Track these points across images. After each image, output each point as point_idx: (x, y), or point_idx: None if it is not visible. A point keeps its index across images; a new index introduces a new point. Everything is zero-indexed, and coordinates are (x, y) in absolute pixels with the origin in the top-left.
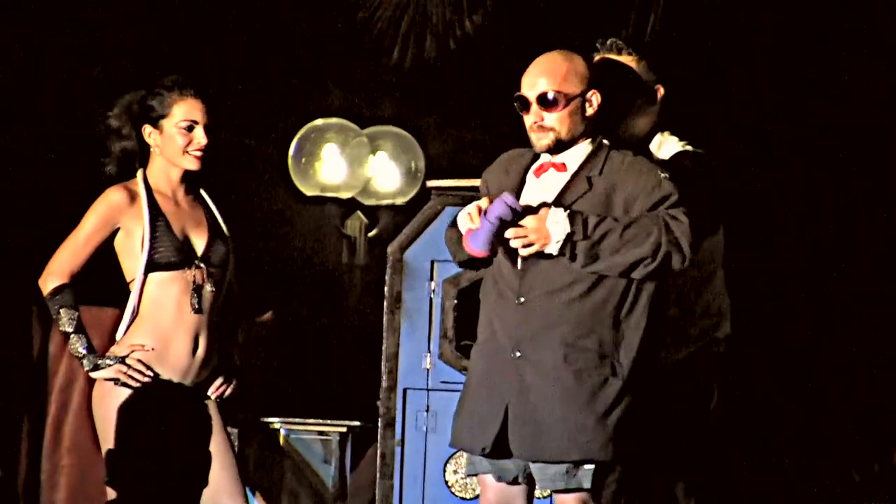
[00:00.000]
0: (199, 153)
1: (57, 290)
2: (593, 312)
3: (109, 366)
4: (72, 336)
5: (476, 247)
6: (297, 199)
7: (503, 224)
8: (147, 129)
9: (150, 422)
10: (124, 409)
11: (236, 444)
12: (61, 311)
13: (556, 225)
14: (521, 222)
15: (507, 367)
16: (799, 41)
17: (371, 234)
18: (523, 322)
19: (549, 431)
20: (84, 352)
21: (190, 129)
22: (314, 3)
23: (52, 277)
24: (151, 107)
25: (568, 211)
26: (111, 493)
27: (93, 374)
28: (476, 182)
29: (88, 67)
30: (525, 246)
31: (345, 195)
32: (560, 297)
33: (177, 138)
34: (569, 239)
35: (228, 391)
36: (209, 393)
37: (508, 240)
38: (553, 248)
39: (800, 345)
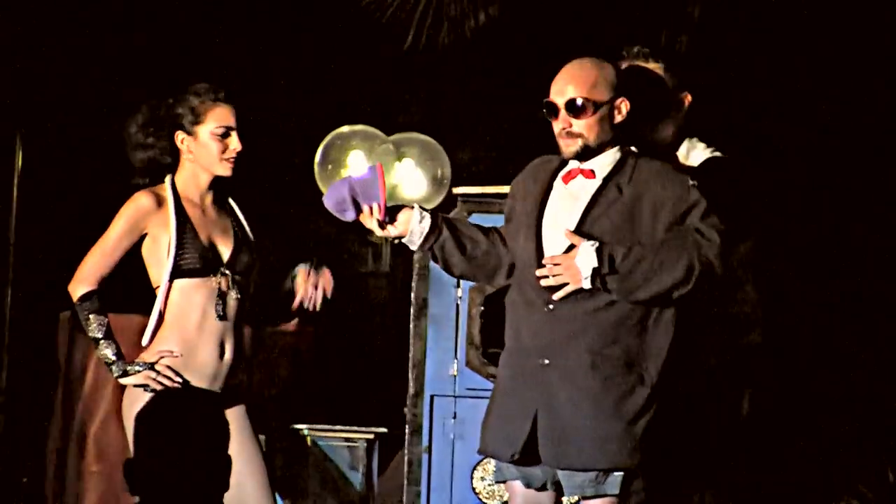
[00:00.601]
0: (232, 159)
1: (86, 297)
2: (620, 320)
3: (138, 372)
4: (101, 342)
5: (330, 201)
6: (322, 207)
7: (357, 188)
8: (180, 136)
9: (179, 428)
10: (153, 416)
11: (263, 450)
12: (90, 317)
13: (584, 261)
14: (553, 260)
15: (535, 375)
16: (826, 47)
17: (397, 240)
18: (551, 329)
19: (576, 439)
20: (113, 358)
21: (225, 135)
22: (340, 10)
23: (81, 284)
24: (184, 114)
25: (596, 245)
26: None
27: (122, 381)
28: (502, 189)
29: (116, 72)
30: (558, 285)
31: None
32: (587, 304)
33: (211, 145)
34: (596, 273)
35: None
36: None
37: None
38: (585, 284)
39: (830, 349)
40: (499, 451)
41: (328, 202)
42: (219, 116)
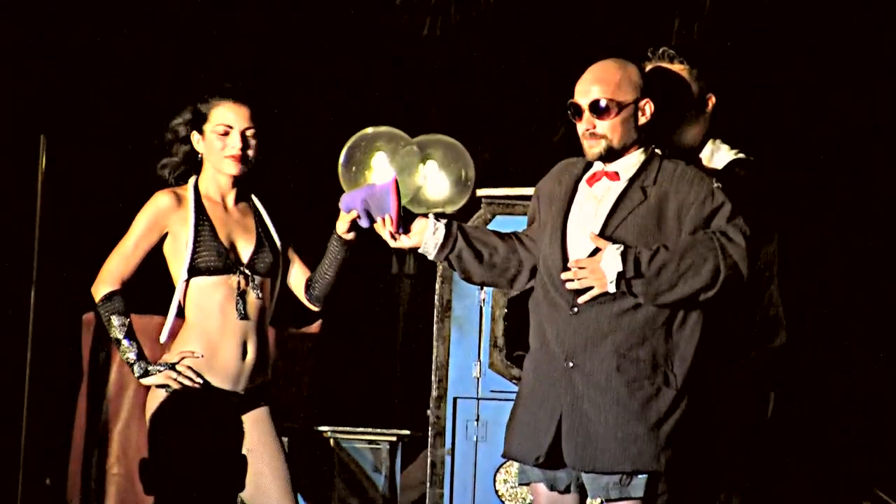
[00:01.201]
0: (234, 157)
1: (108, 297)
2: (646, 322)
3: (160, 372)
4: (122, 342)
5: (343, 205)
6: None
7: (370, 200)
8: (195, 136)
9: (201, 429)
10: (175, 417)
11: (286, 452)
12: (112, 317)
13: (610, 265)
14: (579, 264)
15: (560, 377)
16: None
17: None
18: (576, 332)
19: (600, 441)
20: (135, 358)
21: (225, 133)
22: (365, 13)
23: (104, 284)
24: (198, 113)
25: (621, 249)
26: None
27: (143, 381)
28: (526, 190)
29: (139, 75)
30: (583, 289)
31: None
32: (613, 307)
33: (214, 143)
34: (622, 277)
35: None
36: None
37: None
38: (610, 288)
39: (849, 351)
40: (524, 454)
41: (343, 209)
42: (220, 115)
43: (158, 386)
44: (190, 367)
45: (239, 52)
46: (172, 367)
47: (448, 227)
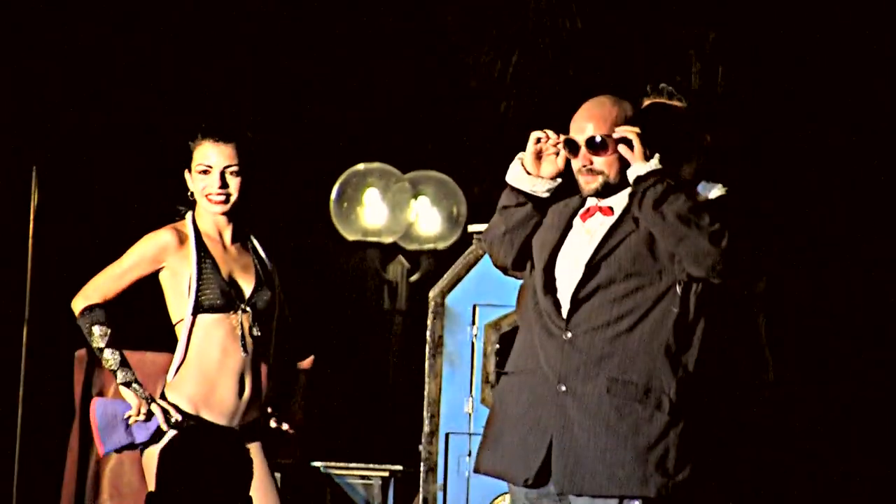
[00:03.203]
0: (215, 198)
1: (89, 308)
2: (640, 346)
3: (141, 393)
4: (105, 350)
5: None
6: (338, 244)
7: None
8: (187, 174)
9: (197, 465)
10: (169, 452)
11: (279, 487)
12: (93, 327)
13: (651, 158)
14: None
15: (552, 400)
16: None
17: (413, 278)
18: (569, 356)
19: (588, 465)
20: (117, 365)
21: (205, 172)
22: (355, 48)
23: (84, 299)
24: (188, 151)
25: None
26: None
27: (122, 391)
28: None
29: (131, 107)
30: (628, 141)
31: (386, 240)
32: (606, 332)
33: (197, 181)
34: (652, 174)
35: (285, 426)
36: (283, 427)
37: None
38: (639, 169)
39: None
40: (513, 475)
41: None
42: (200, 154)
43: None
44: (174, 406)
45: (230, 84)
46: (151, 396)
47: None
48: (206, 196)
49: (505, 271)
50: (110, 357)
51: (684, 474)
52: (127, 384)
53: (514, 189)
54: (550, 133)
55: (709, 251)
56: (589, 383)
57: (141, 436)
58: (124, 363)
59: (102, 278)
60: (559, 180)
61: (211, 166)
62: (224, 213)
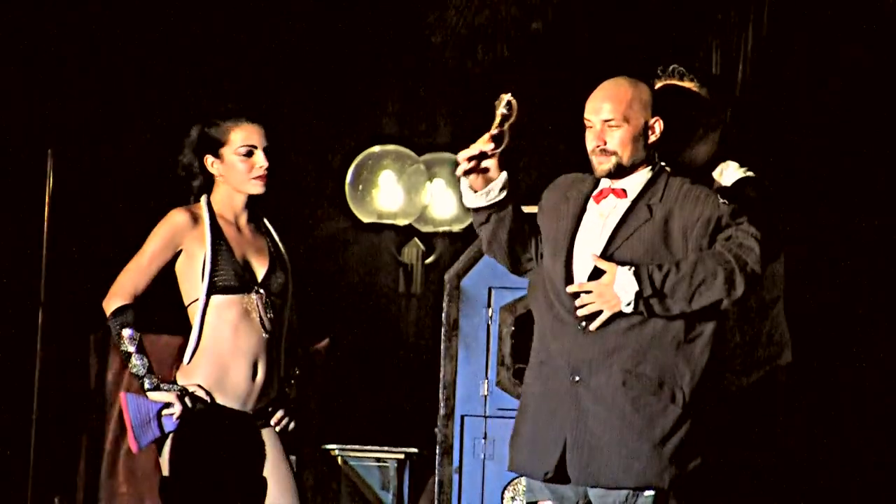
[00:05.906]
0: (261, 177)
1: (120, 310)
2: (654, 338)
3: (167, 391)
4: (133, 356)
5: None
6: (353, 227)
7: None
8: (209, 160)
9: (210, 449)
10: (183, 436)
11: (294, 470)
12: (122, 331)
13: (625, 286)
14: (584, 288)
15: (567, 392)
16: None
17: (428, 261)
18: (583, 347)
19: (604, 457)
20: (144, 372)
21: (249, 154)
22: (370, 30)
23: (115, 298)
24: (210, 137)
25: (633, 269)
26: None
27: (150, 395)
28: (532, 209)
29: (147, 91)
30: (594, 313)
31: (402, 222)
32: (620, 323)
33: (237, 165)
34: (639, 297)
35: (291, 425)
36: (272, 423)
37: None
38: (626, 309)
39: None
40: (531, 469)
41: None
42: (241, 136)
43: (166, 405)
44: (200, 386)
45: (242, 71)
46: (184, 388)
47: (510, 190)
48: (255, 176)
49: (523, 273)
50: (138, 363)
51: (696, 466)
52: (155, 388)
53: (475, 209)
54: (465, 153)
55: (733, 295)
56: (603, 375)
57: (169, 425)
58: (150, 370)
59: (128, 274)
60: (504, 173)
61: (255, 146)
62: (262, 193)
